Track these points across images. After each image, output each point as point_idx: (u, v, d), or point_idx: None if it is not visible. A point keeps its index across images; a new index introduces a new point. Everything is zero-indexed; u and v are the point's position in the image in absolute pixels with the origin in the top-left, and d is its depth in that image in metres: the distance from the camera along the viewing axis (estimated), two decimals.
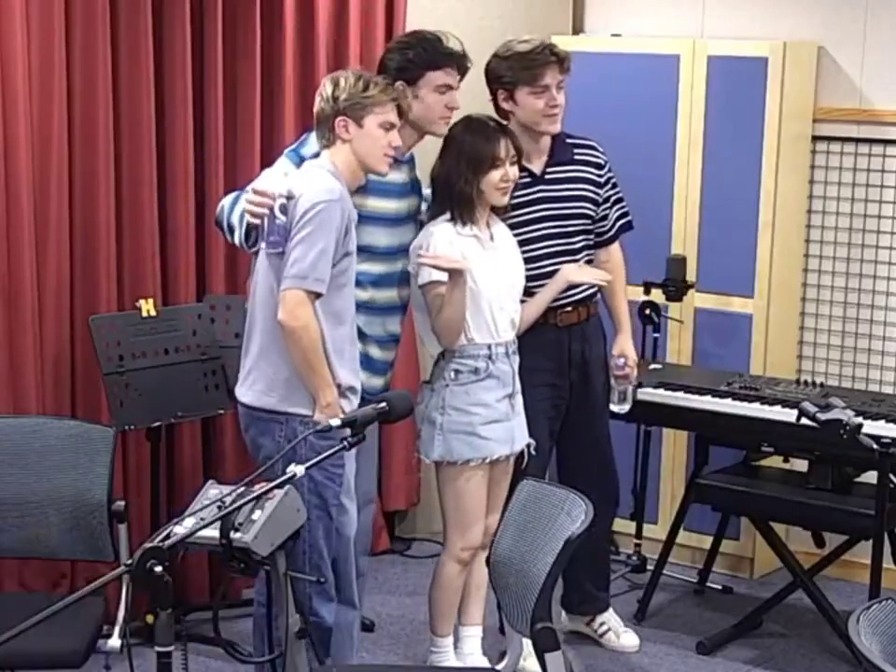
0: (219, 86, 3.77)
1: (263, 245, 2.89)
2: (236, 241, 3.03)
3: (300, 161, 3.05)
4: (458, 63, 3.15)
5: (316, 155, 3.01)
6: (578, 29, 4.61)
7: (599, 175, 3.52)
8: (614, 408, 3.63)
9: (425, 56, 3.12)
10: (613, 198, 3.57)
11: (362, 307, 3.05)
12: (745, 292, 4.15)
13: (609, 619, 3.78)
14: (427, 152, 3.32)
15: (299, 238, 2.82)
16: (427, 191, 3.31)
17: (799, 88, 4.15)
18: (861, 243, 4.22)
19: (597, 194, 3.52)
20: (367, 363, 3.07)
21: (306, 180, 2.89)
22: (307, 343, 2.83)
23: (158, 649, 2.19)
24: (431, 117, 3.13)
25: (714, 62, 4.12)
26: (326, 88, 2.94)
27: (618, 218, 3.60)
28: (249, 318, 2.98)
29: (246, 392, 2.97)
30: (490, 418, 3.24)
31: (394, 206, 3.16)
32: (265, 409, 2.93)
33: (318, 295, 2.85)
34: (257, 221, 2.88)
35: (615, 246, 3.63)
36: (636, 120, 4.22)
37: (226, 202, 3.09)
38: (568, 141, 3.51)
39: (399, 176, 3.13)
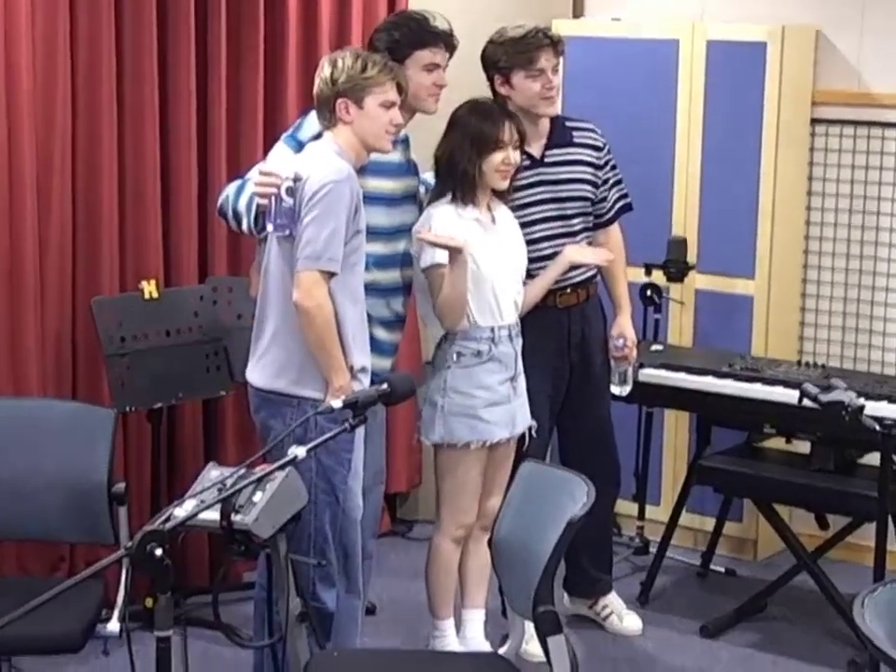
0: (223, 68, 3.70)
1: (270, 227, 2.82)
2: (244, 228, 2.95)
3: (297, 145, 2.99)
4: (445, 41, 3.11)
5: (315, 137, 2.94)
6: (578, 13, 4.54)
7: (598, 158, 3.46)
8: (615, 390, 3.56)
9: (411, 36, 3.08)
10: (612, 180, 3.51)
11: (366, 288, 2.97)
12: (745, 273, 4.08)
13: (612, 602, 3.68)
14: (427, 137, 3.22)
15: (310, 219, 2.75)
16: (425, 175, 3.24)
17: (798, 71, 4.08)
18: (860, 224, 4.15)
19: (596, 176, 3.45)
20: (373, 345, 2.99)
21: (313, 162, 2.82)
22: (321, 323, 2.76)
23: (157, 633, 2.11)
24: (421, 94, 3.08)
25: (713, 46, 4.05)
26: (324, 69, 2.86)
27: (617, 200, 3.54)
28: (261, 302, 2.90)
29: (259, 375, 2.89)
30: (491, 401, 3.15)
31: (391, 186, 3.10)
32: (277, 391, 2.85)
33: (332, 275, 2.77)
34: (265, 202, 2.82)
35: (614, 228, 3.56)
36: (636, 104, 4.15)
37: (230, 190, 3.01)
38: (567, 124, 3.45)
39: (394, 156, 3.07)
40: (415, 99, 3.06)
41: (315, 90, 2.88)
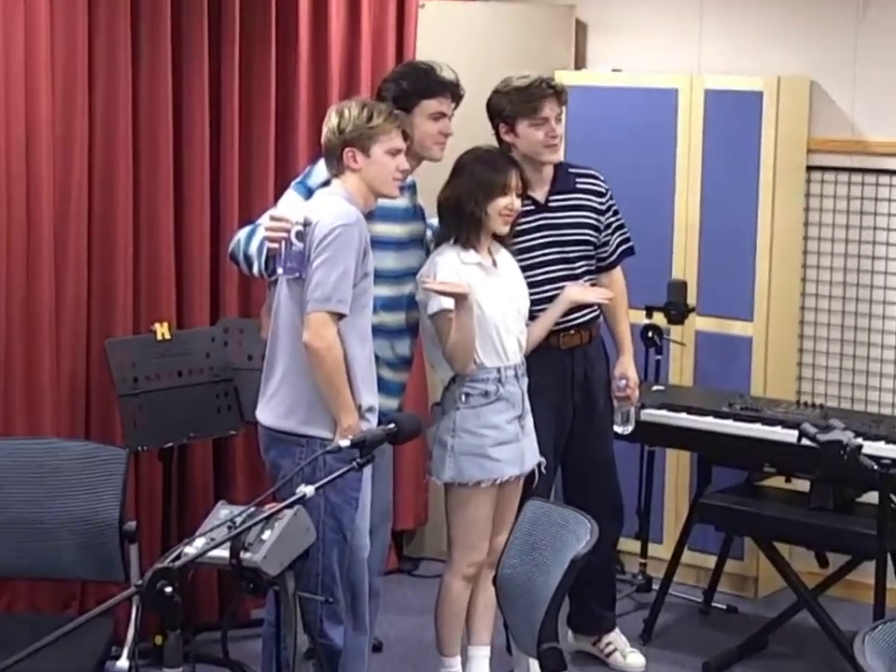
0: (235, 113, 3.71)
1: (280, 270, 2.82)
2: (255, 272, 2.96)
3: (307, 192, 3.00)
4: (451, 91, 3.13)
5: (325, 184, 2.95)
6: (580, 64, 4.56)
7: (601, 203, 3.46)
8: (617, 429, 3.54)
9: (419, 85, 3.10)
10: (615, 224, 3.51)
11: (373, 330, 2.96)
12: (744, 316, 4.07)
13: (616, 639, 3.64)
14: (433, 183, 3.23)
15: (320, 262, 2.75)
16: (432, 220, 3.25)
17: (793, 120, 4.10)
18: (856, 268, 4.14)
19: (599, 221, 3.46)
20: (380, 385, 2.98)
21: (323, 207, 2.83)
22: (331, 363, 2.75)
23: (166, 671, 2.07)
24: (427, 143, 3.09)
25: (711, 95, 4.08)
26: (331, 120, 2.88)
27: (619, 244, 3.53)
28: (271, 343, 2.90)
29: (268, 415, 2.88)
30: (500, 440, 3.14)
31: (399, 231, 3.10)
32: (286, 431, 2.84)
33: (341, 316, 2.77)
34: (275, 246, 2.82)
35: (617, 271, 3.56)
36: (637, 151, 4.16)
37: (241, 235, 3.01)
38: (571, 170, 3.46)
39: (401, 202, 3.08)
40: (421, 147, 3.08)
41: (323, 139, 2.90)
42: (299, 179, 3.08)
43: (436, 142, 3.10)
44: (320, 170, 3.01)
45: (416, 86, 3.09)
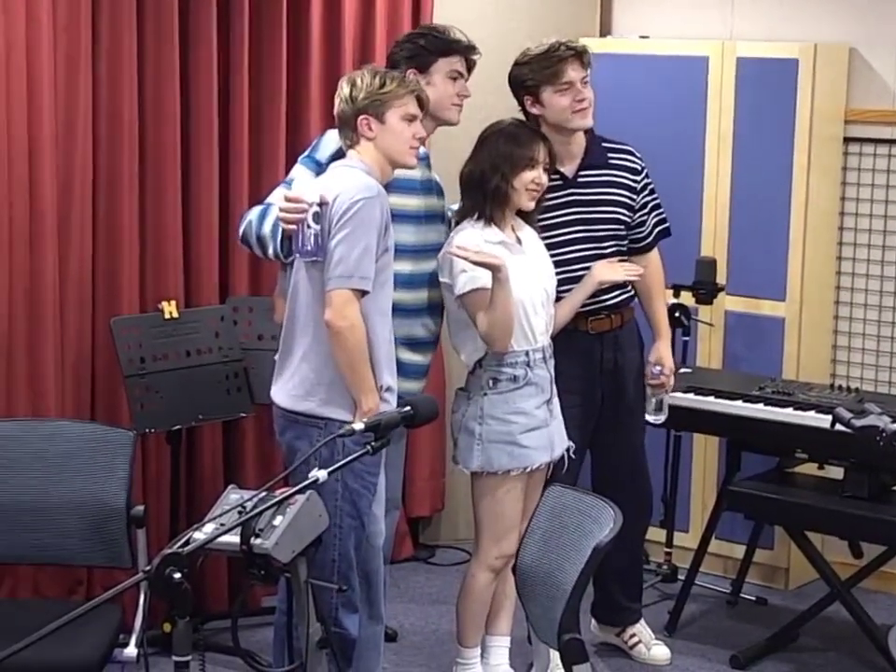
0: (245, 87, 3.72)
1: (297, 254, 2.82)
2: (270, 254, 2.95)
3: (316, 165, 3.00)
4: (466, 53, 3.16)
5: (334, 156, 2.94)
6: (605, 31, 4.54)
7: (635, 181, 3.43)
8: (650, 418, 3.53)
9: (436, 42, 3.13)
10: (651, 204, 3.48)
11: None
12: (776, 295, 4.05)
13: (641, 631, 3.65)
14: (449, 164, 3.22)
15: (341, 237, 2.76)
16: (453, 206, 3.24)
17: (830, 89, 4.06)
18: (895, 245, 4.10)
19: (632, 200, 3.42)
20: (399, 368, 2.97)
21: (342, 180, 2.83)
22: (354, 342, 2.76)
23: (175, 658, 2.10)
24: (444, 103, 3.11)
25: (743, 63, 4.04)
26: (343, 89, 2.89)
27: (655, 225, 3.50)
28: (288, 325, 2.90)
29: (285, 396, 2.89)
30: (529, 426, 3.13)
31: (415, 203, 3.10)
32: (304, 413, 2.85)
33: (364, 293, 2.78)
34: (293, 227, 2.81)
35: (654, 253, 3.54)
36: (664, 122, 4.14)
37: (252, 216, 3.01)
38: (604, 145, 3.43)
39: (416, 173, 3.08)
40: (439, 108, 3.08)
41: (336, 110, 2.91)
42: (306, 153, 3.08)
43: (454, 103, 3.12)
44: (328, 141, 3.02)
45: (435, 44, 3.12)
